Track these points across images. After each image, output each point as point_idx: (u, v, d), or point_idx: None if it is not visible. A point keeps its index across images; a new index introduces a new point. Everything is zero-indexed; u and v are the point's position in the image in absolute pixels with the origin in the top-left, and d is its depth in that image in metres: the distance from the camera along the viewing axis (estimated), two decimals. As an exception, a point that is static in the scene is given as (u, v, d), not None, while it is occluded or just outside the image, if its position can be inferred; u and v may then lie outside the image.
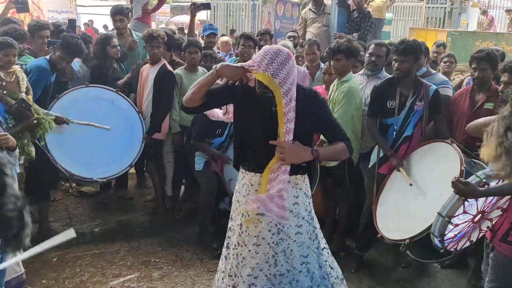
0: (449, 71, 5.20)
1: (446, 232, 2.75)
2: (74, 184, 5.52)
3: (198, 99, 2.54)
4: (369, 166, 3.97)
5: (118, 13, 5.32)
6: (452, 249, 2.87)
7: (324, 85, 4.54)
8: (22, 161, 3.56)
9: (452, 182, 2.49)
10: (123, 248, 4.25)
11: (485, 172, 2.68)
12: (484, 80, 3.70)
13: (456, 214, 2.66)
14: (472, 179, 2.60)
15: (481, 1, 18.95)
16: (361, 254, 4.06)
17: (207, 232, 4.40)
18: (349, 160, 4.06)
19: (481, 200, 2.60)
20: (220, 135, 4.28)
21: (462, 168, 3.05)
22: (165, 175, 4.89)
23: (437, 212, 2.73)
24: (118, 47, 4.84)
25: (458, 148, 3.28)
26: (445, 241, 2.79)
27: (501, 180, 2.53)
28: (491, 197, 2.61)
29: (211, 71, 2.52)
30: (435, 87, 3.76)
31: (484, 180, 2.59)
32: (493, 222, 2.66)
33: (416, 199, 3.40)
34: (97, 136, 4.26)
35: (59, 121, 3.93)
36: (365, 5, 10.03)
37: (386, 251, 4.24)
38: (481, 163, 3.26)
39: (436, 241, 2.82)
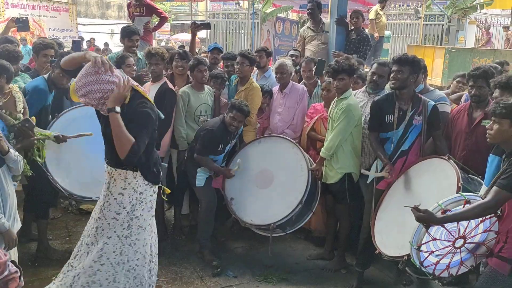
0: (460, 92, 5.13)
1: (422, 260, 2.80)
2: (73, 202, 5.51)
3: None
4: (368, 182, 3.97)
5: (134, 34, 5.40)
6: (444, 275, 2.90)
7: (323, 102, 4.57)
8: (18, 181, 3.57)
9: (412, 210, 2.64)
10: (122, 266, 4.22)
11: (450, 198, 2.77)
12: (481, 98, 3.73)
13: (425, 241, 2.72)
14: (434, 207, 2.69)
15: (478, 18, 19.17)
16: (361, 271, 4.05)
17: (207, 249, 4.38)
18: (349, 177, 4.08)
19: (458, 225, 2.67)
20: (222, 151, 4.32)
21: (459, 185, 3.06)
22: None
23: (408, 241, 2.80)
24: (134, 67, 4.86)
25: (454, 164, 3.29)
26: (427, 268, 2.84)
27: (467, 205, 2.66)
28: (467, 222, 2.69)
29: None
30: (434, 103, 3.79)
31: (444, 207, 2.68)
32: (489, 244, 2.75)
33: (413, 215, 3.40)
34: (96, 154, 4.23)
35: (59, 140, 3.94)
36: (373, 21, 10.20)
37: (386, 268, 4.22)
38: (478, 179, 3.27)
39: (422, 268, 2.87)
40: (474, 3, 15.19)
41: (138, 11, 7.13)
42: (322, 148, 4.12)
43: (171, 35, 24.11)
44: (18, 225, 3.21)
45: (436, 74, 10.06)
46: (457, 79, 5.09)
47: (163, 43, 18.53)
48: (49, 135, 3.87)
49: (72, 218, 5.31)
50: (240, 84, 4.86)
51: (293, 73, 5.00)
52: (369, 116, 3.99)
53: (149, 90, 4.56)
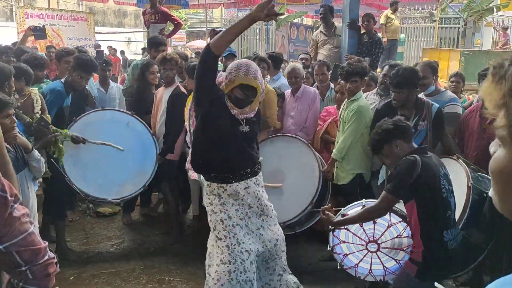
0: (456, 91, 5.16)
1: (339, 261, 3.01)
2: (91, 205, 5.63)
3: (224, 46, 2.87)
4: (378, 184, 4.00)
5: (161, 45, 5.62)
6: (369, 279, 3.03)
7: (336, 105, 4.61)
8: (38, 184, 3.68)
9: (320, 211, 2.90)
10: (138, 266, 4.31)
11: (352, 205, 3.04)
12: None
13: (334, 243, 2.99)
14: (339, 213, 2.94)
15: (495, 20, 18.97)
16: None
17: None
18: (360, 178, 4.11)
19: (371, 229, 2.85)
20: None
21: (469, 184, 3.08)
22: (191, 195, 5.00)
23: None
24: (158, 74, 4.98)
25: (464, 163, 3.30)
26: (336, 254, 3.02)
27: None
28: (386, 230, 2.84)
29: (245, 16, 2.81)
30: (437, 105, 3.80)
31: (343, 211, 2.94)
32: (406, 250, 2.86)
33: None
34: (112, 157, 4.37)
35: (76, 140, 4.06)
36: (383, 26, 10.20)
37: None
38: (488, 177, 3.28)
39: (331, 252, 3.09)
40: (490, 5, 15.05)
41: (153, 18, 7.29)
42: (334, 150, 4.15)
43: (186, 42, 24.35)
44: (35, 229, 3.31)
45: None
46: (451, 79, 5.15)
47: (178, 50, 18.74)
48: (66, 133, 3.98)
49: (89, 221, 5.42)
50: None
51: (304, 76, 5.04)
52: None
53: (163, 95, 4.67)
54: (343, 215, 2.84)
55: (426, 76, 4.15)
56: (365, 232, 2.84)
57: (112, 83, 5.53)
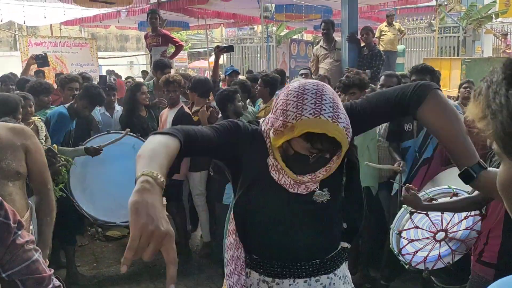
0: (468, 96, 5.24)
1: (401, 246, 2.80)
2: (99, 229, 5.64)
3: None
4: (392, 194, 3.98)
5: (167, 67, 5.78)
6: (420, 267, 2.90)
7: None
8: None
9: (403, 188, 2.61)
10: (148, 289, 4.31)
11: (438, 189, 2.79)
12: None
13: (406, 228, 2.72)
14: (422, 194, 2.67)
15: (494, 27, 19.05)
16: (386, 285, 4.02)
17: None
18: (367, 191, 4.10)
19: (440, 217, 2.66)
20: None
21: None
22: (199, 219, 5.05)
23: (390, 226, 2.81)
24: (148, 94, 5.07)
25: None
26: (404, 256, 2.83)
27: (450, 198, 2.67)
28: (451, 216, 2.66)
29: None
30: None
31: (431, 196, 2.68)
32: (468, 244, 2.75)
33: None
34: (119, 180, 4.38)
35: (92, 152, 4.07)
36: (376, 39, 10.29)
37: (411, 280, 4.18)
38: None
39: (398, 256, 2.88)
40: (488, 12, 15.15)
41: (154, 42, 7.39)
42: (339, 163, 4.14)
43: (188, 63, 24.59)
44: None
45: (454, 85, 10.01)
46: (464, 85, 5.18)
47: (181, 71, 18.97)
48: (72, 162, 4.02)
49: (98, 245, 5.42)
50: (262, 102, 5.12)
51: None
52: (383, 129, 4.01)
53: (167, 116, 4.72)
54: (431, 199, 2.66)
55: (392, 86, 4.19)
56: (433, 223, 2.70)
57: (117, 107, 5.58)
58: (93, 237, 5.59)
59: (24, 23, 13.82)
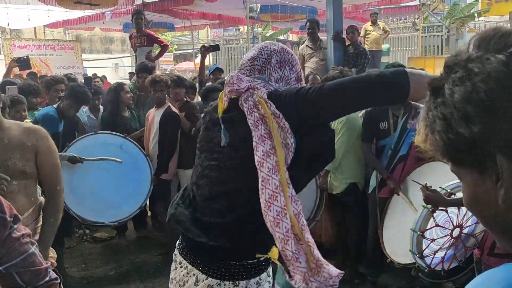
0: None
1: (423, 248, 2.73)
2: (87, 231, 5.61)
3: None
4: (369, 192, 4.02)
5: (150, 70, 5.76)
6: (438, 269, 2.84)
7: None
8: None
9: (421, 188, 2.56)
10: (138, 289, 4.30)
11: (452, 183, 2.73)
12: None
13: (429, 227, 2.67)
14: (438, 190, 2.62)
15: (477, 26, 19.31)
16: (374, 280, 4.07)
17: None
18: (355, 187, 4.14)
19: (455, 214, 2.62)
20: None
21: None
22: None
23: (410, 228, 2.73)
24: (131, 93, 5.08)
25: None
26: (425, 258, 2.75)
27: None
28: (465, 210, 2.61)
29: None
30: (424, 106, 3.86)
31: (449, 191, 2.64)
32: (478, 237, 2.68)
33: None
34: (107, 180, 4.39)
35: (73, 160, 4.07)
36: (362, 38, 10.40)
37: (398, 275, 4.23)
38: None
39: (417, 259, 2.80)
40: (471, 11, 15.35)
41: (139, 42, 7.37)
42: (327, 161, 4.17)
43: (174, 65, 24.53)
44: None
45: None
46: None
47: (167, 73, 18.92)
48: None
49: (87, 246, 5.39)
50: None
51: None
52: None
53: (154, 115, 4.72)
54: (450, 194, 2.60)
55: None
56: (450, 218, 2.64)
57: (102, 109, 5.55)
58: (81, 238, 5.56)
59: (8, 25, 13.67)
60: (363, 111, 4.17)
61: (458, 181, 2.56)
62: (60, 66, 13.20)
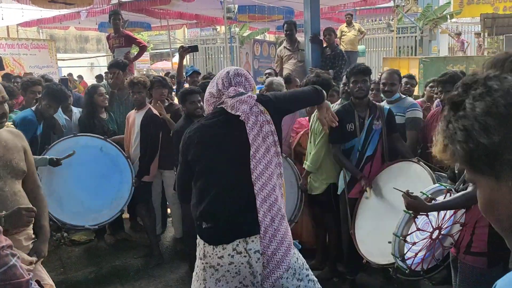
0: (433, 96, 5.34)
1: (405, 251, 2.79)
2: (65, 234, 5.55)
3: None
4: (339, 193, 4.07)
5: (114, 66, 5.69)
6: (418, 269, 2.89)
7: (308, 116, 4.72)
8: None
9: (402, 195, 2.61)
10: (118, 292, 4.28)
11: (431, 188, 2.80)
12: None
13: (410, 231, 2.73)
14: (419, 196, 2.67)
15: (450, 27, 19.73)
16: (352, 278, 4.15)
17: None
18: (334, 188, 4.20)
19: (435, 216, 2.67)
20: None
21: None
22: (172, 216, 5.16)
23: (393, 233, 2.79)
24: (106, 95, 5.04)
25: (426, 166, 3.41)
26: (406, 261, 2.82)
27: (448, 195, 2.68)
28: (444, 213, 2.67)
29: None
30: (388, 107, 3.98)
31: (430, 196, 2.69)
32: (455, 237, 2.75)
33: (393, 221, 3.48)
34: (87, 183, 4.36)
35: (54, 163, 4.03)
36: (337, 39, 10.53)
37: (376, 272, 4.33)
38: (444, 175, 3.43)
39: (399, 262, 2.86)
40: (444, 13, 15.67)
41: (117, 43, 7.31)
42: (307, 162, 4.21)
43: (151, 64, 24.35)
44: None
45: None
46: (429, 85, 5.33)
47: (143, 72, 18.73)
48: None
49: (65, 250, 5.34)
50: None
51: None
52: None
53: (135, 118, 4.71)
54: (430, 199, 2.65)
55: (394, 83, 4.32)
56: (429, 220, 2.68)
57: (74, 109, 5.44)
58: (59, 242, 5.50)
59: (-19, 24, 13.38)
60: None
61: (438, 185, 2.62)
62: (34, 66, 12.99)
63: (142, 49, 7.73)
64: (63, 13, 12.95)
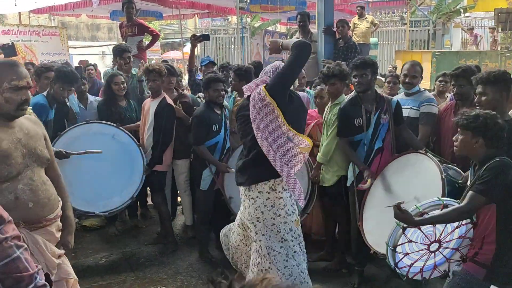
0: (444, 90, 5.31)
1: (397, 261, 2.84)
2: (76, 219, 5.61)
3: None
4: (348, 185, 4.09)
5: (125, 51, 5.72)
6: (417, 278, 2.96)
7: (317, 109, 4.72)
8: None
9: (393, 207, 2.66)
10: (129, 278, 4.33)
11: (428, 202, 2.83)
12: (463, 96, 3.89)
13: (401, 242, 2.77)
14: (412, 209, 2.73)
15: (463, 21, 19.52)
16: (361, 269, 4.17)
17: (207, 251, 4.67)
18: (345, 180, 4.21)
19: (438, 229, 2.71)
20: (218, 132, 4.42)
21: (443, 177, 3.17)
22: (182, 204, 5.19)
23: (385, 242, 2.85)
24: (121, 85, 5.03)
25: (433, 157, 3.41)
26: (401, 269, 2.87)
27: (440, 210, 2.71)
28: (445, 227, 2.71)
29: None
30: (396, 100, 3.97)
31: (422, 210, 2.74)
32: (463, 251, 2.81)
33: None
34: (98, 170, 4.38)
35: (60, 155, 4.04)
36: (349, 32, 10.47)
37: (385, 265, 4.32)
38: (454, 167, 3.42)
39: (395, 268, 2.91)
40: (457, 7, 15.49)
41: (130, 31, 7.32)
42: (319, 154, 4.23)
43: (161, 54, 24.35)
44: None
45: (424, 78, 10.25)
46: (439, 79, 5.30)
47: (153, 62, 18.73)
48: None
49: (76, 235, 5.32)
50: (238, 96, 4.97)
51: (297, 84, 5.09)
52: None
53: (150, 106, 4.71)
54: (421, 213, 2.71)
55: (416, 75, 4.27)
56: (424, 234, 2.74)
57: (91, 97, 5.47)
58: (71, 227, 5.55)
59: (-6, 11, 13.44)
60: (338, 108, 4.19)
61: (436, 200, 2.65)
62: (45, 53, 13.01)
63: (155, 37, 7.74)
64: (75, 0, 12.95)
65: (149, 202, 6.03)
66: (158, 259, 4.72)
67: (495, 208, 2.63)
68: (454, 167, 3.46)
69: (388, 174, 3.77)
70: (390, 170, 3.77)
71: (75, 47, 18.37)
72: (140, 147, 4.62)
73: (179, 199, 5.62)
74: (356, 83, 3.88)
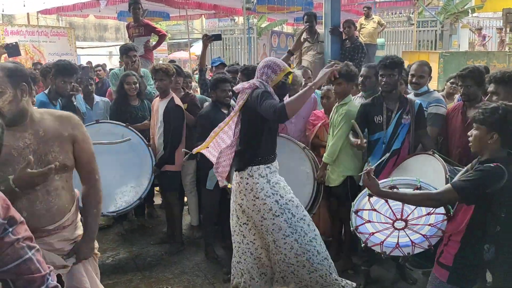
0: (453, 92, 5.27)
1: (358, 224, 2.98)
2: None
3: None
4: (360, 184, 4.08)
5: (131, 50, 5.69)
6: (376, 249, 3.07)
7: (323, 109, 4.71)
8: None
9: (363, 173, 2.68)
10: (135, 277, 4.35)
11: (406, 179, 2.85)
12: (470, 96, 3.86)
13: (364, 208, 2.89)
14: (385, 181, 2.75)
15: (471, 22, 19.43)
16: (367, 270, 4.16)
17: (213, 251, 4.69)
18: (351, 180, 4.21)
19: (399, 207, 2.74)
20: None
21: (447, 176, 3.17)
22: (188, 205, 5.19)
23: (352, 203, 3.01)
24: (134, 85, 5.03)
25: (440, 158, 3.41)
26: (361, 234, 3.00)
27: (413, 190, 2.72)
28: (414, 209, 2.71)
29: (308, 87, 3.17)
30: (419, 102, 3.95)
31: (392, 184, 2.74)
32: (431, 241, 2.85)
33: None
34: (107, 170, 4.37)
35: None
36: (356, 32, 10.45)
37: (392, 266, 4.34)
38: (462, 169, 3.42)
39: (356, 233, 3.06)
40: (465, 7, 15.44)
41: (137, 32, 7.35)
42: (325, 154, 4.22)
43: (168, 54, 24.42)
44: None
45: (433, 78, 10.25)
46: (451, 80, 5.26)
47: (160, 62, 18.80)
48: None
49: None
50: None
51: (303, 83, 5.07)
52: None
53: (158, 106, 4.72)
54: (392, 186, 2.68)
55: (423, 75, 4.26)
56: (392, 211, 2.74)
57: (97, 98, 5.50)
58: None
59: (3, 11, 13.54)
60: (360, 104, 4.21)
61: (414, 179, 2.72)
62: (53, 53, 13.08)
63: (162, 37, 7.76)
64: (83, 1, 13.03)
65: (156, 202, 6.09)
66: (164, 259, 4.73)
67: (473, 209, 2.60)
68: (462, 169, 3.45)
69: (398, 174, 3.75)
70: (399, 171, 3.76)
71: (82, 48, 18.48)
72: (149, 147, 4.62)
73: (185, 199, 5.63)
74: (383, 83, 3.87)
